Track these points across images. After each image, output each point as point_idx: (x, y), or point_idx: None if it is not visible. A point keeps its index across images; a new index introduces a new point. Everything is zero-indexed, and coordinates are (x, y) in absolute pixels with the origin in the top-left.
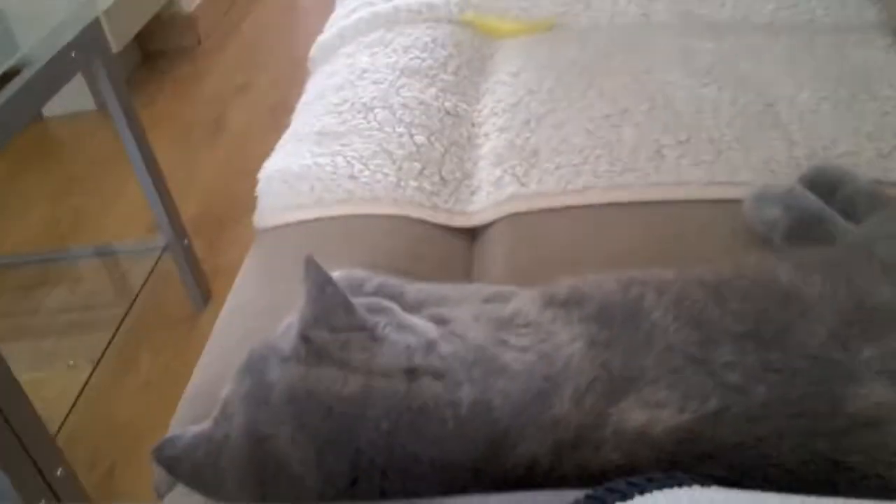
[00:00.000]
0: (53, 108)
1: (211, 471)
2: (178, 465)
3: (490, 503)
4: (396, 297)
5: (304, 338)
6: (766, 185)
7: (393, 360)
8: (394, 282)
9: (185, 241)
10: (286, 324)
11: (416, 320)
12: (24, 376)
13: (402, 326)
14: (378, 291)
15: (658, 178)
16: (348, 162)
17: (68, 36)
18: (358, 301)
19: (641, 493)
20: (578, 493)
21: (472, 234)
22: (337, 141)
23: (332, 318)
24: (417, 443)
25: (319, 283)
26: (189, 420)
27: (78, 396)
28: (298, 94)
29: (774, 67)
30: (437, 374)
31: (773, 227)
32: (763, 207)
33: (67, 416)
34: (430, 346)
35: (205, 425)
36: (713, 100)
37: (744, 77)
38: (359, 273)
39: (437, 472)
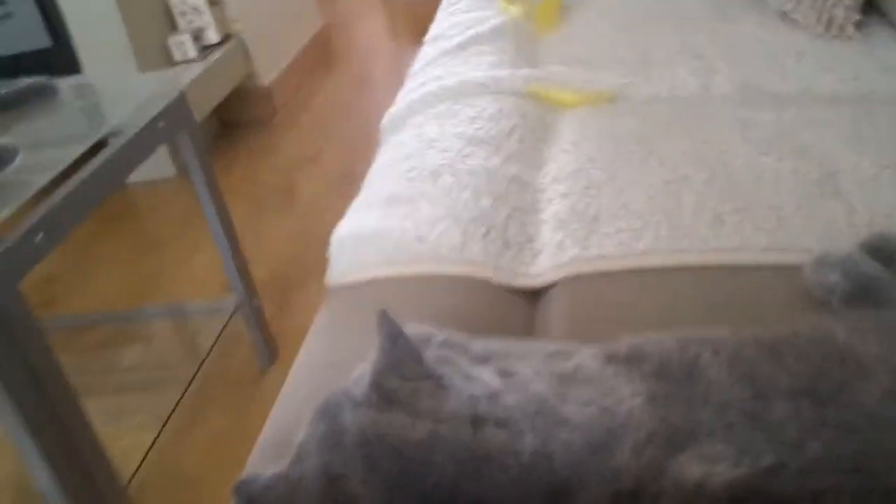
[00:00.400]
0: (135, 175)
1: None
2: (257, 502)
3: None
4: (462, 351)
5: (376, 385)
6: (826, 251)
7: (459, 408)
8: (459, 337)
9: (256, 302)
10: (359, 372)
11: (481, 372)
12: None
13: (467, 377)
14: (444, 345)
15: (718, 243)
16: (416, 225)
17: (156, 108)
18: (426, 353)
19: None
20: None
21: (533, 296)
22: (405, 205)
23: (402, 368)
24: (481, 488)
25: (392, 334)
26: (264, 464)
27: (147, 451)
28: (366, 165)
29: (835, 138)
30: (501, 423)
31: (832, 291)
32: (823, 272)
33: (137, 469)
34: (494, 396)
35: (281, 466)
36: (773, 169)
37: (804, 147)
38: (426, 328)
39: None
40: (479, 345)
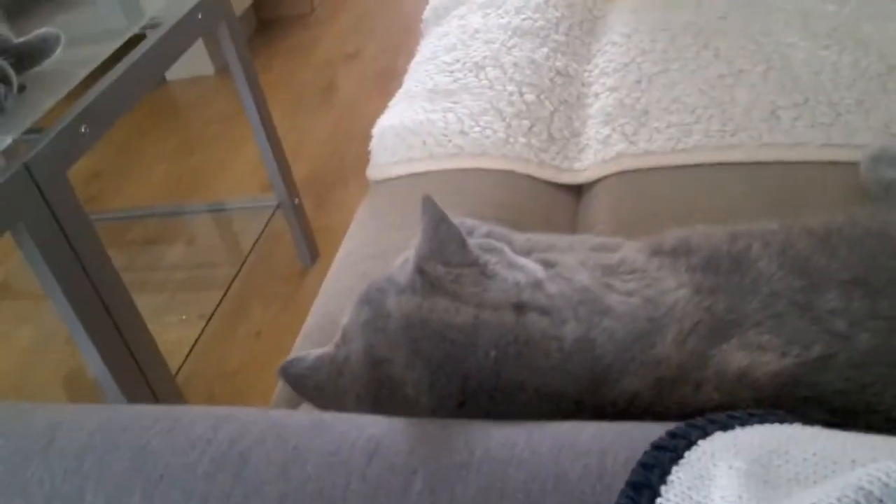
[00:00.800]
0: (175, 71)
1: (332, 389)
2: (303, 382)
3: (592, 430)
4: (505, 242)
5: (420, 270)
6: (883, 146)
7: (502, 295)
8: (501, 230)
9: (297, 201)
10: (403, 258)
11: (524, 261)
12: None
13: (511, 265)
14: (488, 236)
15: (771, 138)
16: (459, 118)
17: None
18: (470, 241)
19: (742, 425)
20: (680, 423)
21: (578, 191)
22: (448, 98)
23: (446, 253)
24: (523, 372)
25: (436, 220)
26: (308, 349)
27: (193, 346)
28: (407, 61)
29: None
30: (544, 311)
31: (889, 188)
32: (880, 167)
33: (184, 361)
34: (537, 284)
35: (327, 348)
36: (833, 62)
37: (866, 40)
38: (468, 221)
39: (540, 400)
40: (523, 238)
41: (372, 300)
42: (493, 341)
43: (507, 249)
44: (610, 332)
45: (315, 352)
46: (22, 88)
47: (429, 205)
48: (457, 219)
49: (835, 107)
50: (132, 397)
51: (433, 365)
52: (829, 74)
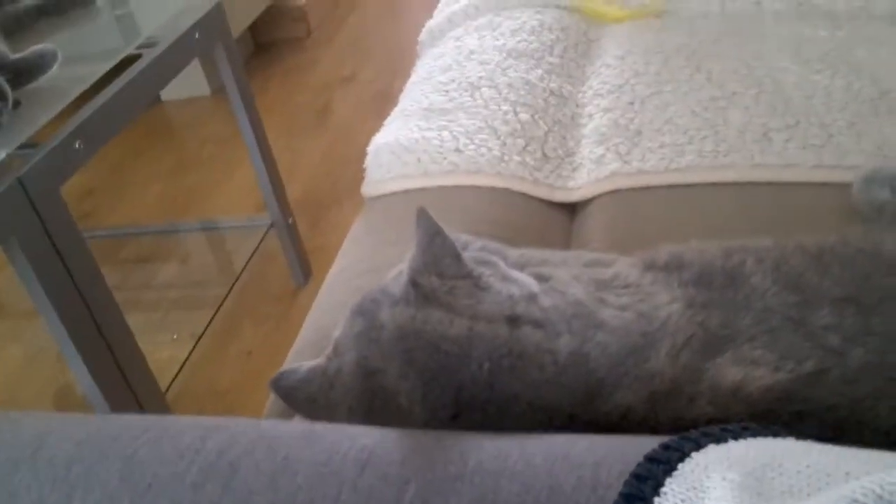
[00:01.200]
0: (171, 92)
1: (324, 401)
2: (294, 394)
3: (586, 442)
4: (499, 256)
5: (414, 282)
6: (875, 168)
7: (496, 308)
8: (496, 245)
9: (290, 220)
10: (397, 270)
11: (518, 274)
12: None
13: (505, 278)
14: (482, 250)
15: (763, 159)
16: (454, 136)
17: (192, 19)
18: (465, 254)
19: (736, 438)
20: (673, 436)
21: (572, 210)
22: (444, 117)
23: (440, 266)
24: (516, 385)
25: (430, 232)
26: (302, 361)
27: (183, 364)
28: (402, 84)
29: (891, 56)
30: (538, 324)
31: (881, 209)
32: (872, 189)
33: (174, 379)
34: (531, 297)
35: (319, 360)
36: (825, 86)
37: (859, 65)
38: (463, 236)
39: (534, 412)
40: (516, 253)
41: (365, 311)
42: (486, 353)
43: (501, 263)
44: (603, 346)
45: (307, 364)
46: (17, 104)
47: (423, 217)
48: (452, 234)
49: (826, 129)
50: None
51: (427, 376)
52: (822, 98)
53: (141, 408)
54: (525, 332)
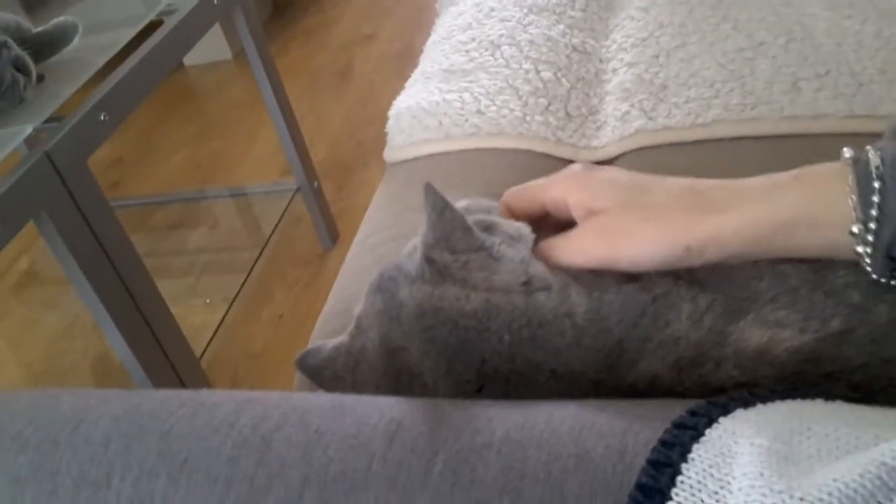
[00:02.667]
0: (193, 57)
1: (350, 379)
2: (320, 373)
3: (613, 409)
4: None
5: (428, 259)
6: None
7: (511, 277)
8: (487, 203)
9: (315, 184)
10: (412, 245)
11: (517, 224)
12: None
13: (512, 238)
14: (483, 213)
15: (793, 111)
16: (475, 98)
17: None
18: (471, 218)
19: (764, 402)
20: (701, 401)
21: None
22: (464, 78)
23: (451, 241)
24: (538, 354)
25: (438, 208)
26: (327, 335)
27: (216, 329)
28: (423, 42)
29: None
30: (545, 285)
31: None
32: None
33: (208, 344)
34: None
35: (342, 338)
36: (856, 32)
37: (889, 10)
38: (484, 202)
39: (558, 381)
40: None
41: (384, 289)
42: (505, 325)
43: (502, 222)
44: (620, 308)
45: (331, 342)
46: (41, 78)
47: (430, 193)
48: (473, 199)
49: (857, 77)
50: (158, 381)
51: (448, 353)
52: (852, 45)
53: (177, 374)
54: (540, 299)
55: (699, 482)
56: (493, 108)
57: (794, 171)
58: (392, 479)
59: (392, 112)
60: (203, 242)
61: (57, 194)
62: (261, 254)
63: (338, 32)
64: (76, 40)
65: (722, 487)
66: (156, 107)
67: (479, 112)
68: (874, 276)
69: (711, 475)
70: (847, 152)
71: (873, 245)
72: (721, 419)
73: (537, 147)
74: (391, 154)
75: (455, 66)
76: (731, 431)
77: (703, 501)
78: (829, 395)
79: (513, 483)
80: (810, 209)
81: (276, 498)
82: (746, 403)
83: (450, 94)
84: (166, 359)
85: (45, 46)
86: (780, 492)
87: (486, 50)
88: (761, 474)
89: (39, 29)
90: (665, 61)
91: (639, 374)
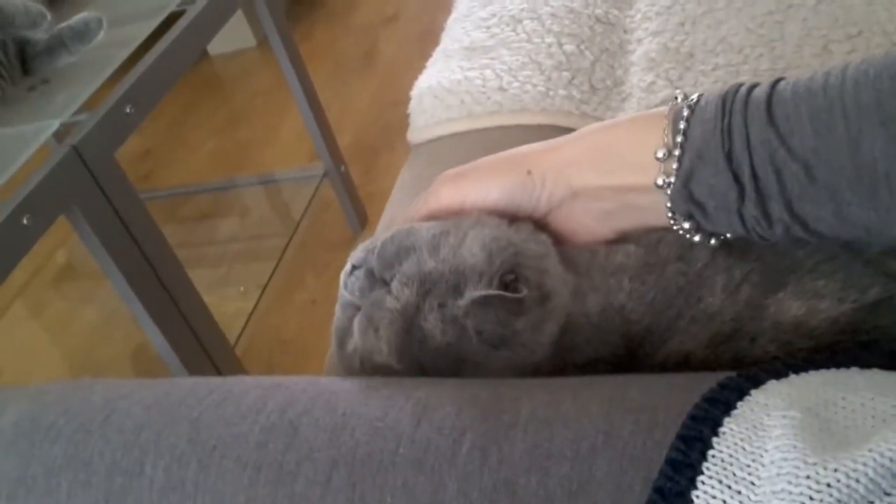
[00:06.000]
0: (218, 46)
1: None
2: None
3: (641, 385)
4: None
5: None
6: None
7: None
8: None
9: (343, 168)
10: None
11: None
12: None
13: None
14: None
15: None
16: (497, 74)
17: None
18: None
19: (797, 372)
20: (731, 374)
21: None
22: (486, 54)
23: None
24: (563, 355)
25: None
26: None
27: (249, 316)
28: (445, 21)
29: None
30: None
31: None
32: None
33: (242, 332)
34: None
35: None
36: None
37: None
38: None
39: (580, 372)
40: None
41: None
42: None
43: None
44: (639, 295)
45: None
46: (45, 82)
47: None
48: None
49: (890, 37)
50: (194, 369)
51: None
52: (884, 3)
53: (212, 362)
54: (554, 304)
55: (730, 456)
56: (516, 84)
57: (631, 114)
58: (419, 460)
59: (414, 93)
60: (234, 231)
61: (86, 188)
62: (291, 240)
63: (361, 14)
64: (101, 36)
65: (754, 461)
66: (182, 97)
67: (502, 89)
68: (669, 206)
69: (743, 448)
70: (678, 94)
71: (675, 173)
72: (753, 392)
73: (562, 122)
74: (414, 135)
75: (476, 43)
76: (764, 404)
77: (734, 475)
78: (864, 365)
79: (540, 462)
80: (629, 139)
81: (305, 481)
82: (779, 374)
83: (471, 71)
84: (201, 348)
85: (68, 41)
86: (815, 464)
87: (508, 25)
88: (794, 447)
89: (63, 24)
90: (691, 28)
91: (669, 353)
